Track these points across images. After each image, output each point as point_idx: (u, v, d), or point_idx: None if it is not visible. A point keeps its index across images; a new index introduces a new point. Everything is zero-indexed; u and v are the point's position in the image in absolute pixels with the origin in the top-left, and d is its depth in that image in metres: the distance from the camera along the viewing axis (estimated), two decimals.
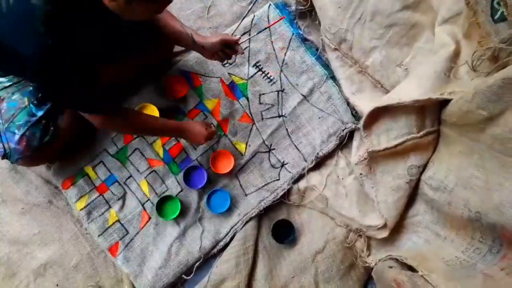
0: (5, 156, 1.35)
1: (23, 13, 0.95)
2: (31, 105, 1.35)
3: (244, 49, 1.73)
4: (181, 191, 1.63)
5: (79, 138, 1.58)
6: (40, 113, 1.35)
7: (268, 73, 1.74)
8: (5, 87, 1.34)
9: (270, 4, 1.76)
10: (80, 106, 1.19)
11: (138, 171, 1.63)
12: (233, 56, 1.56)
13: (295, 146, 1.72)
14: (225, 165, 1.65)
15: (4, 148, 1.34)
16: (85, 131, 1.58)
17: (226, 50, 1.42)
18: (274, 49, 1.75)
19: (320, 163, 1.74)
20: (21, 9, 0.95)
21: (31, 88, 1.36)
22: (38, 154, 1.39)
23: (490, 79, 1.16)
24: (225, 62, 1.68)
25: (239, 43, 1.41)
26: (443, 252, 1.40)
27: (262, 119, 1.72)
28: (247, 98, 1.72)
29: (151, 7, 0.99)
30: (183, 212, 1.62)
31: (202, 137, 1.46)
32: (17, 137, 1.33)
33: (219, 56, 1.44)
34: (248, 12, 1.75)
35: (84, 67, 1.07)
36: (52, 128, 1.39)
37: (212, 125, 1.64)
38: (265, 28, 1.51)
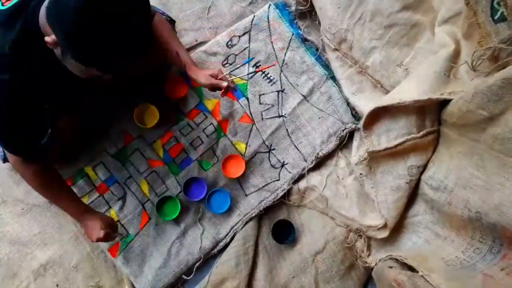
0: (6, 159, 1.34)
1: None
2: None
3: (245, 48, 1.73)
4: (181, 191, 1.63)
5: (79, 138, 1.57)
6: None
7: (268, 73, 1.74)
8: None
9: (270, 4, 1.77)
10: (3, 140, 1.14)
11: (138, 171, 1.63)
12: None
13: (295, 146, 1.72)
14: (237, 170, 1.66)
15: (4, 151, 1.33)
16: (85, 131, 1.57)
17: (215, 88, 1.39)
18: (274, 49, 1.75)
19: (320, 163, 1.74)
20: None
21: None
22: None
23: (490, 79, 1.16)
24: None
25: (226, 88, 1.36)
26: (443, 252, 1.40)
27: (262, 119, 1.72)
28: (247, 99, 1.72)
29: (86, 71, 0.93)
30: (183, 213, 1.62)
31: (95, 237, 1.29)
32: None
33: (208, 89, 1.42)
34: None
35: (29, 107, 1.05)
36: (49, 130, 1.38)
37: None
38: (256, 72, 1.55)
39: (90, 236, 1.31)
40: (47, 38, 0.88)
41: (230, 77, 1.54)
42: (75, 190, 1.57)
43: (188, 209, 1.64)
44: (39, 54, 0.98)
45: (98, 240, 1.28)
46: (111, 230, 1.32)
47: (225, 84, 1.34)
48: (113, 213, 1.60)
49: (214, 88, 1.38)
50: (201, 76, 1.37)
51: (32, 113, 1.08)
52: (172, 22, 1.63)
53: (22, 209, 1.61)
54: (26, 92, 1.01)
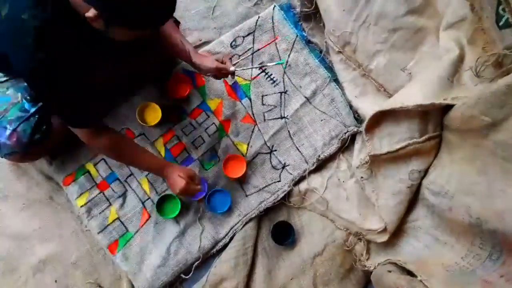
0: (7, 154, 1.35)
1: (14, 28, 0.98)
2: (24, 100, 1.33)
3: (248, 49, 1.73)
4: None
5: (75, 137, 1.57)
6: (33, 110, 1.34)
7: (271, 74, 1.74)
8: (1, 82, 1.34)
9: (274, 6, 1.77)
10: (67, 119, 1.19)
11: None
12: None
13: (297, 148, 1.72)
14: (237, 170, 1.66)
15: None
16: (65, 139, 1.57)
17: (220, 74, 1.42)
18: (277, 51, 1.75)
19: (321, 165, 1.74)
20: (11, 23, 0.98)
21: (25, 84, 1.34)
22: (28, 151, 1.37)
23: (493, 85, 1.16)
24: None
25: (233, 72, 1.41)
26: (442, 258, 1.40)
27: (264, 120, 1.72)
28: (250, 99, 1.72)
29: (131, 33, 1.00)
30: (183, 212, 1.62)
31: (178, 188, 1.34)
32: (8, 132, 1.31)
33: (214, 76, 1.45)
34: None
35: (75, 81, 1.09)
36: (44, 126, 1.37)
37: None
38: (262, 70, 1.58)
39: (174, 188, 1.36)
40: (88, 14, 0.92)
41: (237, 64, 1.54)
42: (76, 186, 1.59)
43: (188, 208, 1.64)
44: (73, 29, 1.02)
45: (182, 191, 1.33)
46: (193, 182, 1.37)
47: (232, 68, 1.38)
48: (113, 210, 1.60)
49: (219, 74, 1.40)
50: (207, 61, 1.39)
51: (80, 86, 1.12)
52: (177, 23, 1.63)
53: (23, 204, 1.61)
54: (65, 67, 1.04)
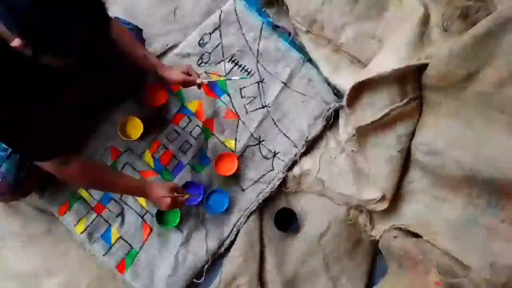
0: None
1: None
2: None
3: (218, 45, 1.72)
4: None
5: None
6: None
7: (244, 66, 1.73)
8: None
9: None
10: (26, 155, 1.13)
11: None
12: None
13: (284, 134, 1.72)
14: (230, 167, 1.65)
15: None
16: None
17: (187, 85, 1.43)
18: (246, 41, 1.74)
19: (310, 146, 1.74)
20: None
21: None
22: (16, 189, 1.35)
23: (462, 37, 1.17)
24: None
25: (199, 84, 1.42)
26: (444, 214, 1.42)
27: (247, 112, 1.71)
28: (229, 95, 1.71)
29: (60, 60, 0.94)
30: (184, 219, 1.62)
31: (164, 206, 1.33)
32: None
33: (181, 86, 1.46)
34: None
35: (25, 112, 1.02)
36: (28, 163, 1.34)
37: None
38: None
39: (161, 207, 1.36)
40: (14, 43, 0.87)
41: (204, 74, 1.58)
42: (72, 214, 1.57)
43: (189, 213, 1.63)
44: (9, 60, 0.95)
45: (169, 208, 1.33)
46: (178, 193, 1.37)
47: (199, 80, 1.40)
48: (114, 230, 1.59)
49: (187, 84, 1.41)
50: (173, 74, 1.40)
51: (40, 119, 1.05)
52: (139, 30, 1.61)
53: (22, 241, 1.58)
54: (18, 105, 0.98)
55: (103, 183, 1.29)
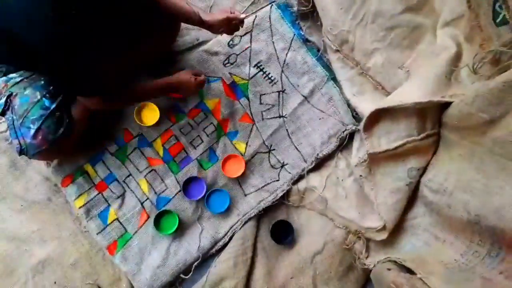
0: (22, 151, 1.35)
1: (31, 0, 0.95)
2: (43, 98, 1.34)
3: (246, 48, 1.73)
4: (180, 190, 1.63)
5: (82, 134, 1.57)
6: (53, 106, 1.34)
7: (269, 73, 1.74)
8: (17, 83, 1.34)
9: (272, 5, 1.77)
10: (82, 90, 1.23)
11: (138, 169, 1.63)
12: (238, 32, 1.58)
13: (295, 147, 1.72)
14: (236, 169, 1.66)
15: (20, 144, 1.33)
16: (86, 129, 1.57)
17: (232, 26, 1.46)
18: (275, 50, 1.75)
19: (320, 164, 1.74)
20: None
21: (42, 82, 1.35)
22: (55, 147, 1.38)
23: (491, 82, 1.16)
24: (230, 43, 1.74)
25: (243, 18, 1.46)
26: (442, 255, 1.40)
27: (263, 119, 1.72)
28: (248, 98, 1.72)
29: None
30: (180, 228, 1.62)
31: (191, 88, 1.50)
32: (32, 131, 1.32)
33: (225, 32, 1.49)
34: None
35: (93, 52, 1.05)
36: (67, 120, 1.39)
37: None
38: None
39: (189, 91, 1.55)
40: None
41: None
42: (74, 187, 1.58)
43: (187, 208, 1.64)
44: None
45: (197, 87, 1.53)
46: (198, 75, 1.52)
47: (243, 15, 1.43)
48: (112, 211, 1.60)
49: (231, 24, 1.44)
50: (217, 15, 1.42)
51: (92, 57, 1.08)
52: None
53: (21, 205, 1.61)
54: (86, 35, 1.00)
55: (141, 98, 1.54)
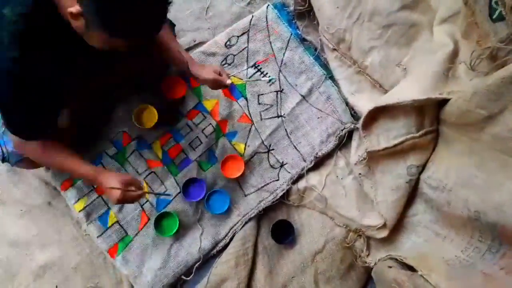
0: (4, 159, 1.34)
1: None
2: None
3: (243, 49, 1.73)
4: (180, 192, 1.63)
5: (76, 140, 1.56)
6: None
7: (267, 73, 1.74)
8: None
9: (268, 5, 1.77)
10: (12, 124, 1.13)
11: (137, 172, 1.63)
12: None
13: (294, 146, 1.72)
14: (236, 170, 1.66)
15: (2, 151, 1.33)
16: (83, 132, 1.57)
17: (216, 86, 1.42)
18: (272, 50, 1.75)
19: (319, 163, 1.74)
20: None
21: None
22: None
23: (489, 78, 1.17)
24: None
25: (229, 85, 1.40)
26: (442, 252, 1.40)
27: (261, 119, 1.72)
28: (246, 99, 1.72)
29: (110, 41, 0.92)
30: (181, 229, 1.61)
31: (114, 199, 1.18)
32: None
33: (210, 87, 1.44)
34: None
35: (41, 88, 1.04)
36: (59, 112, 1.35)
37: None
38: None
39: (111, 199, 1.20)
40: (71, 9, 0.87)
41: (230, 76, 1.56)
42: (74, 191, 1.58)
43: (187, 210, 1.63)
44: (52, 28, 0.97)
45: (118, 202, 1.18)
46: (132, 187, 1.21)
47: (228, 81, 1.36)
48: (112, 214, 1.60)
49: (215, 85, 1.39)
50: (205, 72, 1.38)
51: (43, 95, 1.06)
52: (172, 25, 1.63)
53: (21, 210, 1.61)
54: (38, 70, 1.00)
55: (56, 164, 1.28)
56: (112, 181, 1.18)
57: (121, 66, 1.41)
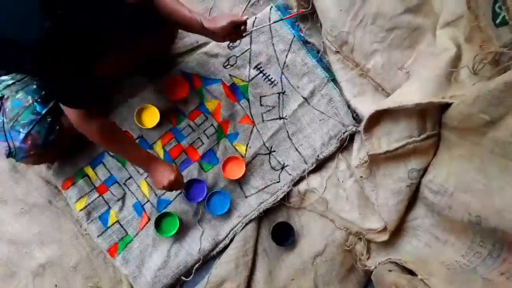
0: (10, 155, 1.35)
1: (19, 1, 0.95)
2: (35, 103, 1.35)
3: (246, 50, 1.73)
4: (180, 192, 1.63)
5: (79, 138, 1.56)
6: (44, 111, 1.35)
7: (269, 75, 1.74)
8: (8, 85, 1.34)
9: (271, 7, 1.77)
10: (62, 97, 1.17)
11: (138, 172, 1.63)
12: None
13: (296, 148, 1.72)
14: (237, 171, 1.66)
15: (9, 146, 1.34)
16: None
17: (236, 31, 1.33)
18: (275, 51, 1.75)
19: (320, 165, 1.73)
20: None
21: (35, 87, 1.36)
22: (43, 152, 1.39)
23: (491, 83, 1.16)
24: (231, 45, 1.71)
25: (246, 19, 1.31)
26: (443, 256, 1.40)
27: (263, 121, 1.72)
28: (248, 100, 1.72)
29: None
30: (181, 230, 1.61)
31: (166, 180, 1.34)
32: (22, 135, 1.32)
33: (230, 38, 1.36)
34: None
35: (81, 56, 1.06)
36: (57, 127, 1.39)
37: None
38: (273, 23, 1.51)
39: (161, 181, 1.35)
40: None
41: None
42: (75, 190, 1.58)
43: (188, 211, 1.63)
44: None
45: (170, 184, 1.34)
46: (180, 177, 1.39)
47: (245, 17, 1.29)
48: (112, 213, 1.60)
49: (233, 33, 1.32)
50: (219, 21, 1.28)
51: (84, 60, 1.09)
52: None
53: (22, 208, 1.61)
54: (70, 39, 1.01)
55: (116, 145, 1.36)
56: (165, 167, 1.37)
57: (141, 46, 1.44)
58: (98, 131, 1.25)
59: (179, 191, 1.62)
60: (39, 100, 1.35)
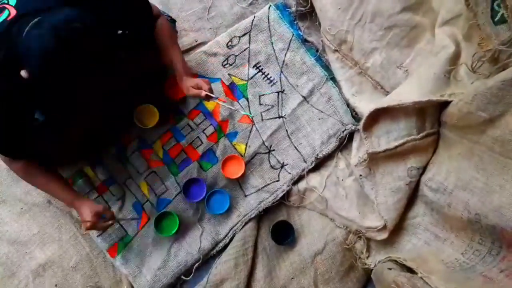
0: None
1: None
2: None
3: (245, 49, 1.73)
4: (180, 192, 1.63)
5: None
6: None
7: (268, 74, 1.74)
8: None
9: (270, 5, 1.77)
10: None
11: (138, 171, 1.63)
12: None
13: (295, 147, 1.72)
14: (236, 170, 1.66)
15: None
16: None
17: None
18: (274, 50, 1.75)
19: (319, 164, 1.74)
20: None
21: None
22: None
23: (490, 81, 1.17)
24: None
25: (202, 95, 1.34)
26: (442, 254, 1.40)
27: (262, 120, 1.72)
28: (247, 99, 1.72)
29: None
30: (181, 229, 1.62)
31: (84, 226, 1.29)
32: None
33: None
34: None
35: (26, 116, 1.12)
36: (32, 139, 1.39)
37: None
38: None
39: (84, 223, 1.31)
40: (22, 73, 0.95)
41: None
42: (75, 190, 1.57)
43: (188, 210, 1.64)
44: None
45: (88, 229, 1.30)
46: (98, 219, 1.30)
47: (203, 93, 1.33)
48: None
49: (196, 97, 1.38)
50: (184, 88, 1.39)
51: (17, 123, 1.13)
52: (173, 21, 1.63)
53: (22, 208, 1.60)
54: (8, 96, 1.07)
55: (39, 186, 1.39)
56: (85, 211, 1.29)
57: (123, 68, 1.42)
58: (20, 172, 1.30)
59: (178, 190, 1.62)
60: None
